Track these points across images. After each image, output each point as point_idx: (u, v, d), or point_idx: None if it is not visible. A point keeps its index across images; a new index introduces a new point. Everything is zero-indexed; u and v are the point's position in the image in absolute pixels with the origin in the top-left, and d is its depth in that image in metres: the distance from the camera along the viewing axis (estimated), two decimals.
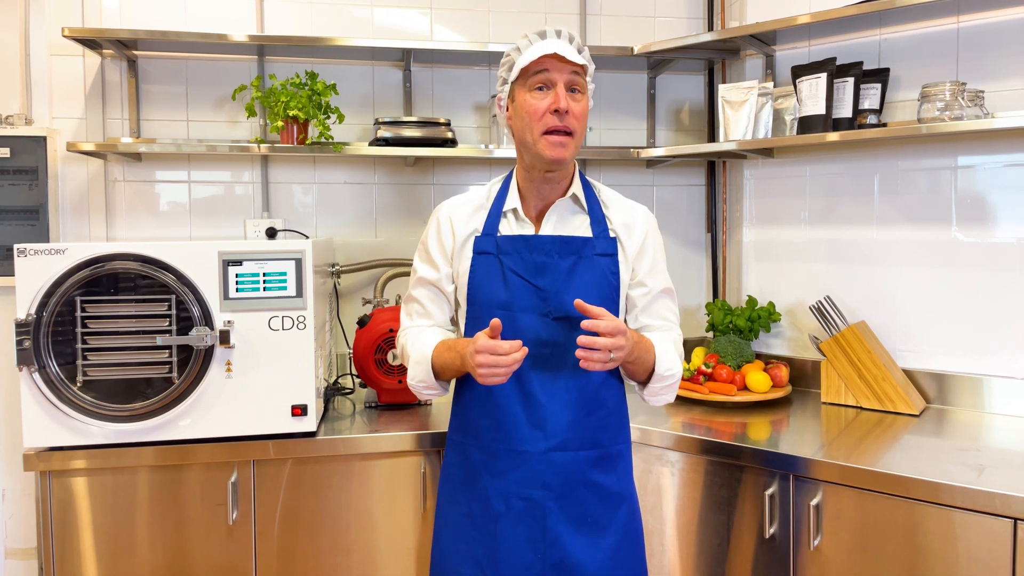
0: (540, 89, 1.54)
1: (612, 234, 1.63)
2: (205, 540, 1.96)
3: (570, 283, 1.56)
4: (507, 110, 1.63)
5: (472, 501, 1.59)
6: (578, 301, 1.43)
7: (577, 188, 1.63)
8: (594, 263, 1.59)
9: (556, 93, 1.52)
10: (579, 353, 1.41)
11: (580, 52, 1.57)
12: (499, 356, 1.40)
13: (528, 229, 1.62)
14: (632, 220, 1.65)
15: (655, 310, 1.66)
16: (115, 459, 1.90)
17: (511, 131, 1.64)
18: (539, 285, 1.56)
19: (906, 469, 1.69)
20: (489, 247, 1.60)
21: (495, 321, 1.42)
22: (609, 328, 1.40)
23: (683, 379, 2.36)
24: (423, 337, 1.64)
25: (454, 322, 1.73)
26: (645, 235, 1.65)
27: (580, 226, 1.63)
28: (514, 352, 1.41)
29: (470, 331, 1.61)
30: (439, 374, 1.61)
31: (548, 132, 1.52)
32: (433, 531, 1.69)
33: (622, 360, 1.47)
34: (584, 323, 1.40)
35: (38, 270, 1.83)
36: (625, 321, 1.67)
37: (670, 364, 1.59)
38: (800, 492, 1.82)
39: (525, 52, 1.55)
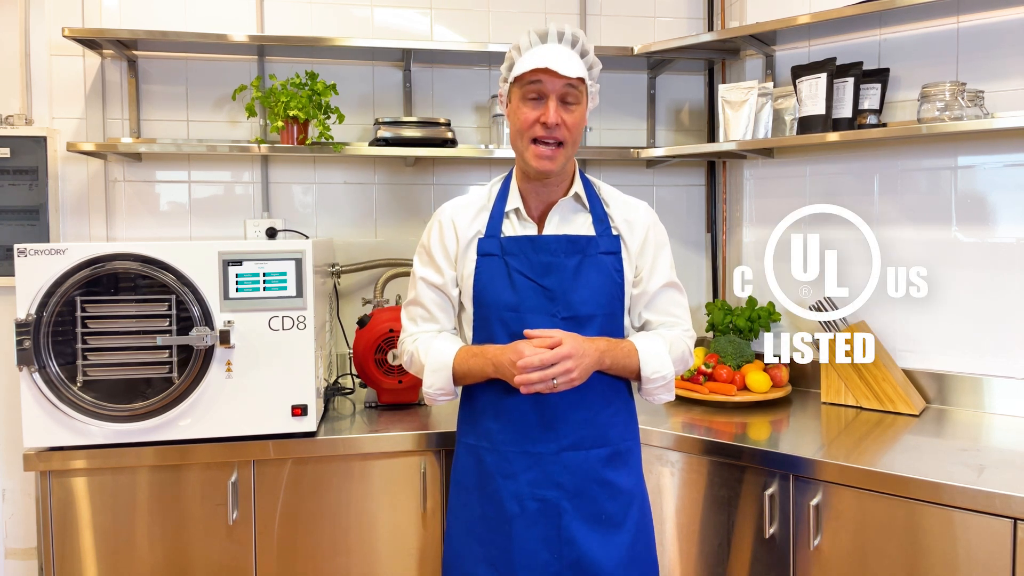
0: (533, 99, 1.54)
1: (615, 232, 1.63)
2: (205, 540, 1.96)
3: (577, 282, 1.57)
4: (507, 107, 1.64)
5: (486, 503, 1.59)
6: (527, 331, 1.50)
7: (579, 187, 1.63)
8: (599, 261, 1.59)
9: (547, 107, 1.52)
10: (519, 379, 1.45)
11: (584, 56, 1.57)
12: (547, 370, 1.45)
13: (531, 229, 1.62)
14: (634, 217, 1.66)
15: (658, 305, 1.66)
16: (115, 459, 1.90)
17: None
18: (546, 285, 1.56)
19: (906, 469, 1.69)
20: (493, 248, 1.60)
21: (558, 338, 1.48)
22: (545, 359, 1.44)
23: (683, 379, 2.37)
24: (437, 345, 1.61)
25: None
26: (647, 231, 1.65)
27: (583, 225, 1.63)
28: (521, 361, 1.46)
29: (479, 334, 1.61)
30: (459, 380, 1.60)
31: (536, 142, 1.53)
32: (444, 534, 1.69)
33: (579, 379, 1.50)
34: (521, 362, 1.45)
35: (38, 270, 1.83)
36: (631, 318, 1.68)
37: (657, 367, 1.58)
38: (800, 492, 1.82)
39: (521, 58, 1.55)
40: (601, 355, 1.53)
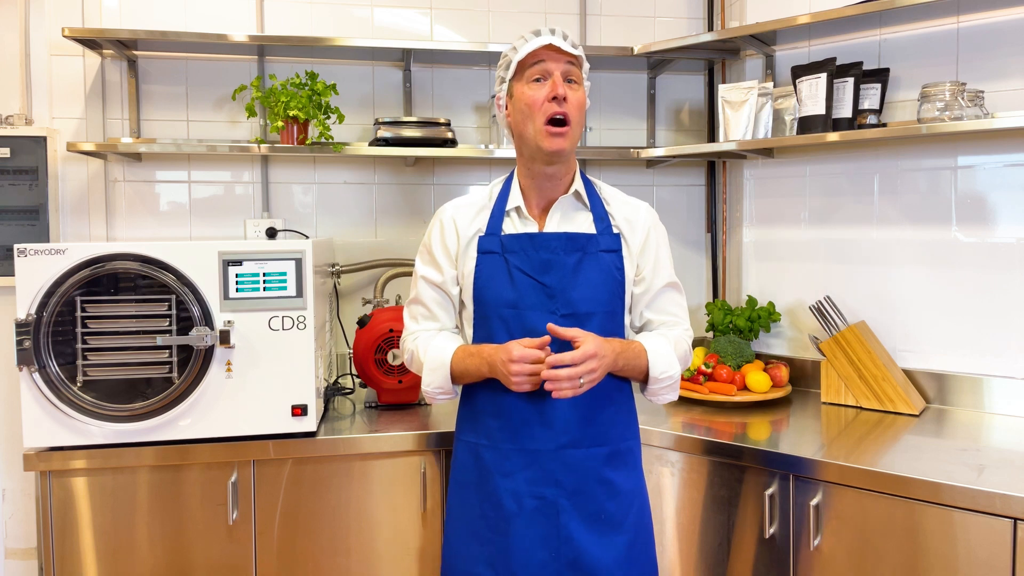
0: (538, 80, 1.56)
1: (615, 230, 1.64)
2: (205, 540, 1.96)
3: (576, 280, 1.57)
4: (506, 108, 1.64)
5: (484, 502, 1.59)
6: (550, 325, 1.48)
7: (579, 185, 1.64)
8: (599, 259, 1.60)
9: (553, 81, 1.54)
10: (545, 374, 1.44)
11: (575, 48, 1.59)
12: (536, 365, 1.46)
13: (532, 227, 1.63)
14: (634, 216, 1.66)
15: (660, 305, 1.67)
16: (115, 459, 1.90)
17: (510, 131, 1.65)
18: (545, 283, 1.57)
19: (906, 469, 1.69)
20: (494, 246, 1.60)
21: (547, 339, 1.48)
22: (576, 357, 1.44)
23: (683, 379, 2.37)
24: (436, 343, 1.63)
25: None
26: (648, 230, 1.66)
27: (583, 223, 1.63)
28: (550, 358, 1.46)
29: (479, 332, 1.61)
30: (456, 379, 1.61)
31: (549, 122, 1.54)
32: (443, 532, 1.69)
33: (600, 378, 1.50)
34: (549, 359, 1.45)
35: (38, 270, 1.83)
36: (633, 317, 1.69)
37: (665, 367, 1.59)
38: (800, 492, 1.82)
39: (519, 52, 1.57)
40: (616, 356, 1.53)
